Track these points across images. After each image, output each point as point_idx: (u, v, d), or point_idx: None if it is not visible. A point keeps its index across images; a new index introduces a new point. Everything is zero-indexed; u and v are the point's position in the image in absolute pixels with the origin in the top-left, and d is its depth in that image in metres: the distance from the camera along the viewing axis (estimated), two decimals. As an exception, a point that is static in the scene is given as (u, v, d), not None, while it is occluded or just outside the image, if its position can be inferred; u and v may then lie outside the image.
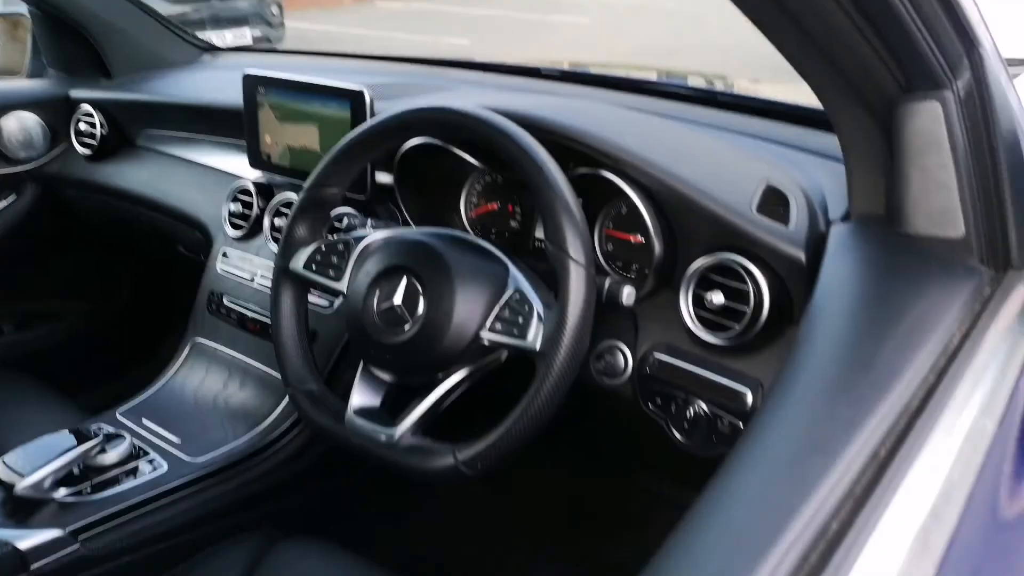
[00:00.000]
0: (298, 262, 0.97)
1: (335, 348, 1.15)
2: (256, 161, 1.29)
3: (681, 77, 2.15)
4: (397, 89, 1.28)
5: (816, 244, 0.81)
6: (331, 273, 0.95)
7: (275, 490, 1.16)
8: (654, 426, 0.94)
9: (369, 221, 1.08)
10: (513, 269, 0.88)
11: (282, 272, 0.98)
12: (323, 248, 0.96)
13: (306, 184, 0.98)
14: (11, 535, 0.94)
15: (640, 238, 0.98)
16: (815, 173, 0.94)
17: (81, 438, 1.06)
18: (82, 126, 1.61)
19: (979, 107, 0.68)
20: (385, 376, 0.92)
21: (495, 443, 0.82)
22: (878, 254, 0.75)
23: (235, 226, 1.31)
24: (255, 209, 1.28)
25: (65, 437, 1.07)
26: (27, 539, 0.94)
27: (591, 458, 1.47)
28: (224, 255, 1.33)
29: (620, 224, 1.00)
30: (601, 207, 1.00)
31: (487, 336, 0.85)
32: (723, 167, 0.96)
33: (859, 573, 0.41)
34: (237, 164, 1.38)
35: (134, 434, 1.13)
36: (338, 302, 1.18)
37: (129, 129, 1.61)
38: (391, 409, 0.93)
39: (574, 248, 0.81)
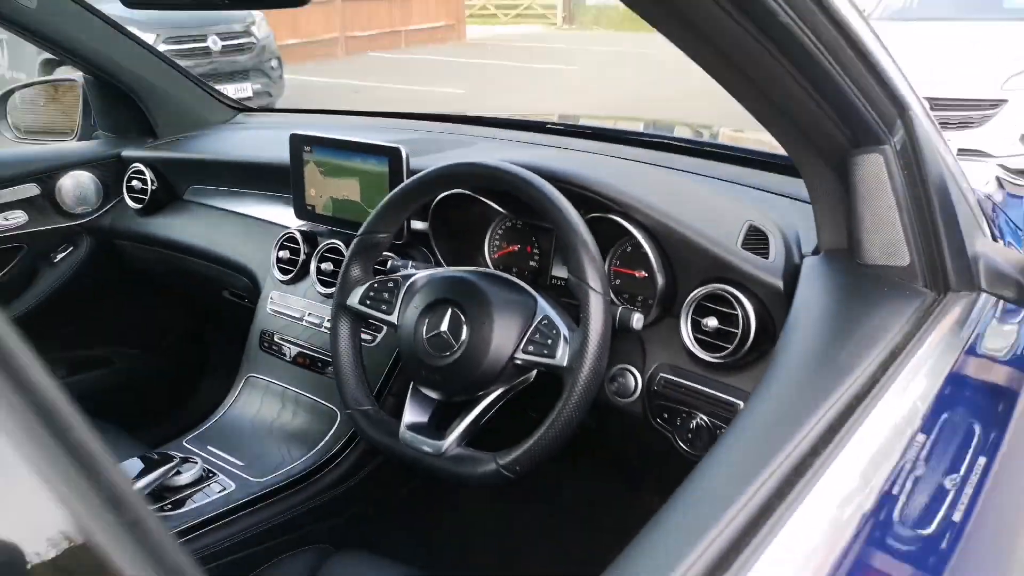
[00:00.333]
0: (354, 299, 1.13)
1: (379, 377, 1.30)
2: (301, 212, 1.45)
3: (668, 127, 2.34)
4: (425, 145, 1.45)
5: (792, 274, 0.96)
6: (383, 307, 1.11)
7: (329, 506, 1.29)
8: (662, 439, 1.08)
9: (409, 263, 1.24)
10: (540, 299, 1.04)
11: (340, 308, 1.14)
12: (375, 286, 1.12)
13: (360, 231, 1.14)
14: None
15: (644, 273, 1.14)
16: (790, 214, 1.10)
17: (150, 464, 1.19)
18: (134, 183, 1.77)
19: (912, 158, 0.84)
20: (433, 395, 1.07)
21: (530, 448, 0.96)
22: (842, 281, 0.91)
23: (283, 271, 1.46)
24: (301, 255, 1.44)
25: (135, 463, 1.20)
26: None
27: (608, 471, 1.60)
28: (271, 298, 1.49)
29: (626, 262, 1.16)
30: (609, 247, 1.16)
31: (521, 356, 1.00)
32: (712, 210, 1.12)
33: (816, 500, 0.57)
34: (280, 214, 1.55)
35: (202, 459, 1.26)
36: (380, 337, 1.33)
37: (177, 185, 1.78)
38: (438, 424, 1.07)
39: (593, 280, 0.96)
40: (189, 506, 1.17)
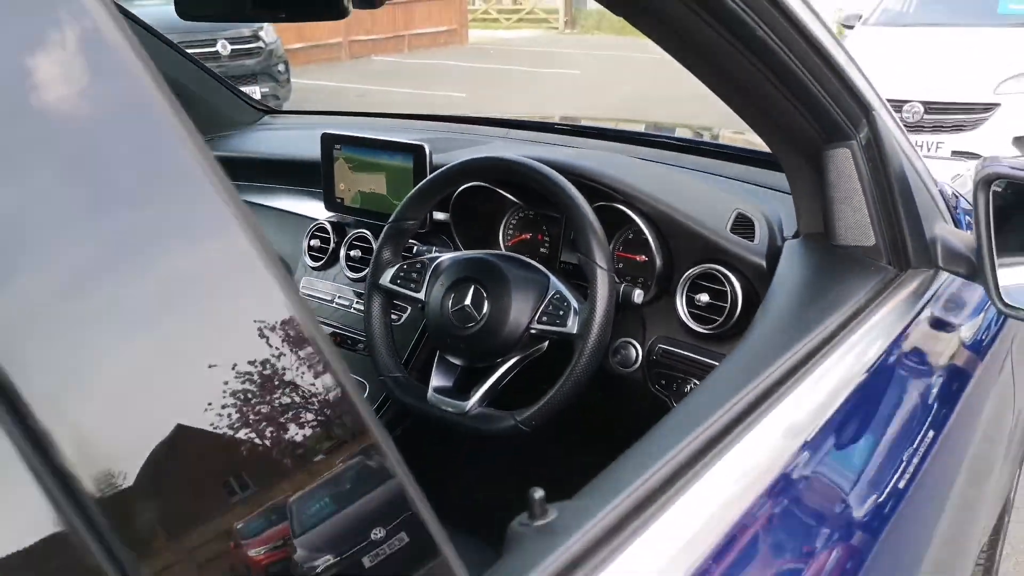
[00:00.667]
0: (386, 278, 1.27)
1: (405, 349, 1.44)
2: (331, 204, 1.58)
3: (669, 128, 2.48)
4: (443, 144, 1.58)
5: (774, 255, 1.10)
6: (412, 286, 1.25)
7: None
8: (660, 403, 1.22)
9: (432, 248, 1.38)
10: (552, 277, 1.18)
11: (373, 287, 1.28)
12: (404, 267, 1.26)
13: (391, 218, 1.28)
14: None
15: (644, 257, 1.28)
16: (773, 203, 1.24)
17: None
18: (171, 180, 1.91)
19: (876, 152, 0.98)
20: (457, 361, 1.22)
21: (544, 406, 1.11)
22: (816, 259, 1.04)
23: (314, 258, 1.60)
24: (331, 243, 1.57)
25: None
26: None
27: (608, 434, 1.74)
28: (302, 284, 1.62)
29: (628, 247, 1.30)
30: (613, 234, 1.30)
31: (536, 327, 1.14)
32: (704, 200, 1.25)
33: (762, 434, 0.69)
34: (309, 207, 1.68)
35: None
36: (405, 316, 1.47)
37: None
38: (461, 388, 1.21)
39: (600, 257, 1.11)
40: None
